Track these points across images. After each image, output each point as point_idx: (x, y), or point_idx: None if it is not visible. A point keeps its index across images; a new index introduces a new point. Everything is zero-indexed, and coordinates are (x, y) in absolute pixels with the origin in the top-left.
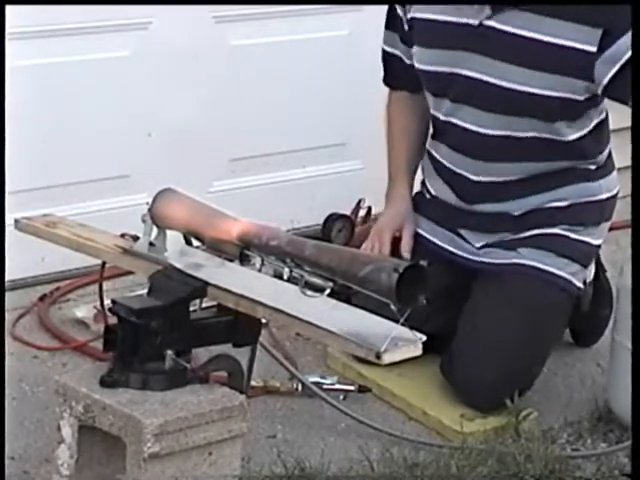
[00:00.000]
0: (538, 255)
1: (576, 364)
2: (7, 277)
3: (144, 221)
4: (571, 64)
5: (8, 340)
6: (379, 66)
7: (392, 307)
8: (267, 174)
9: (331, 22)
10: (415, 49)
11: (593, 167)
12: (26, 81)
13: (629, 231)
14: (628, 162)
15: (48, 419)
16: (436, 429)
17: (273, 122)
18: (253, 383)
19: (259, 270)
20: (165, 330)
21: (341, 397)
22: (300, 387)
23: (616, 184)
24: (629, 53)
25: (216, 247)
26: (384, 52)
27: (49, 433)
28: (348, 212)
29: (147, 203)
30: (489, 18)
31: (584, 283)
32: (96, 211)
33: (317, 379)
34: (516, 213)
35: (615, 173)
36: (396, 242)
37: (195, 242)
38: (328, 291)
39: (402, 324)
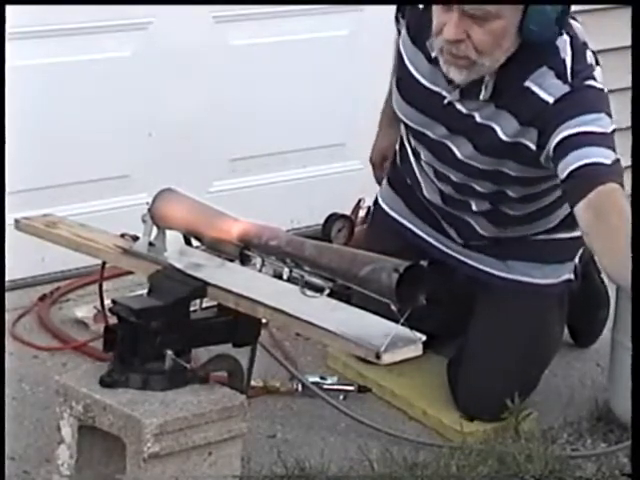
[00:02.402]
0: (526, 268)
1: (576, 364)
2: (7, 277)
3: (144, 221)
4: (517, 153)
5: (8, 340)
6: (379, 66)
7: (392, 307)
8: (267, 174)
9: (331, 22)
10: (395, 93)
11: None
12: (26, 81)
13: None
14: (628, 162)
15: (48, 419)
16: (436, 429)
17: (273, 122)
18: (253, 383)
19: (259, 270)
20: (165, 330)
21: (341, 397)
22: (300, 387)
23: None
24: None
25: (216, 247)
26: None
27: (49, 433)
28: (348, 212)
29: (147, 203)
30: (458, 101)
31: (575, 270)
32: (96, 211)
33: (317, 379)
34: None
35: None
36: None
37: (195, 242)
38: (328, 291)
39: (402, 324)
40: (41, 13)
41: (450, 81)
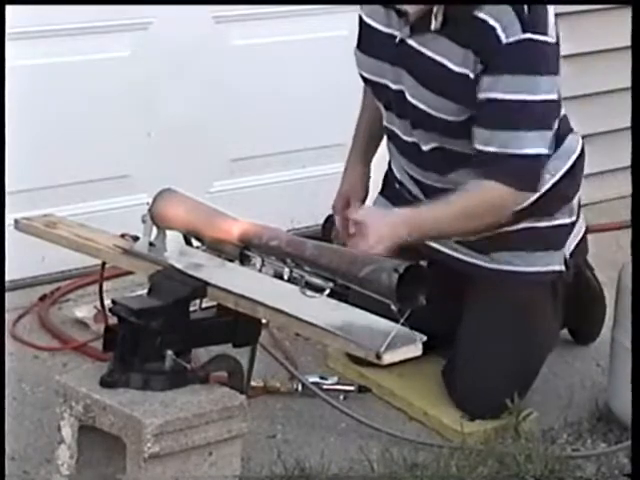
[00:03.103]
0: (510, 257)
1: (576, 364)
2: (7, 277)
3: (144, 221)
4: (459, 90)
5: (8, 340)
6: None
7: (392, 307)
8: (267, 174)
9: (331, 22)
10: (355, 53)
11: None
12: (26, 81)
13: (629, 231)
14: (628, 162)
15: (48, 419)
16: (436, 429)
17: (273, 122)
18: (253, 383)
19: (259, 270)
20: (165, 330)
21: (341, 397)
22: (300, 387)
23: (565, 162)
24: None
25: (216, 247)
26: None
27: (49, 433)
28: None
29: (147, 203)
30: (409, 37)
31: (565, 262)
32: (96, 211)
33: (317, 379)
34: None
35: (566, 146)
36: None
37: (195, 242)
38: (328, 291)
39: (402, 324)
40: (41, 13)
41: (401, 15)
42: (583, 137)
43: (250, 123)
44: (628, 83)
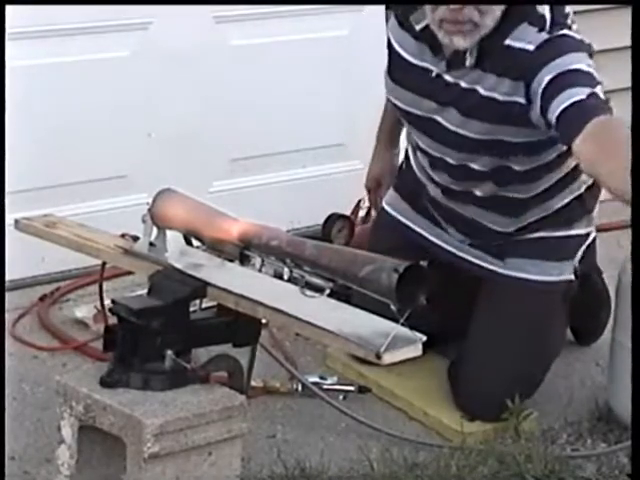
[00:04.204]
0: (525, 264)
1: (576, 364)
2: (7, 277)
3: (144, 221)
4: (510, 114)
5: (8, 340)
6: (379, 66)
7: (392, 307)
8: (267, 174)
9: (331, 22)
10: (386, 79)
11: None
12: (26, 81)
13: (629, 231)
14: None
15: (48, 419)
16: (436, 429)
17: (273, 122)
18: (253, 383)
19: (259, 270)
20: (165, 330)
21: (341, 397)
22: (300, 387)
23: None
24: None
25: (216, 247)
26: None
27: (49, 433)
28: (348, 212)
29: (147, 203)
30: (445, 72)
31: (575, 271)
32: (96, 211)
33: (317, 379)
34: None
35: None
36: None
37: (195, 242)
38: (328, 291)
39: (402, 324)
40: (41, 13)
41: (437, 53)
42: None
43: (250, 123)
44: (628, 83)
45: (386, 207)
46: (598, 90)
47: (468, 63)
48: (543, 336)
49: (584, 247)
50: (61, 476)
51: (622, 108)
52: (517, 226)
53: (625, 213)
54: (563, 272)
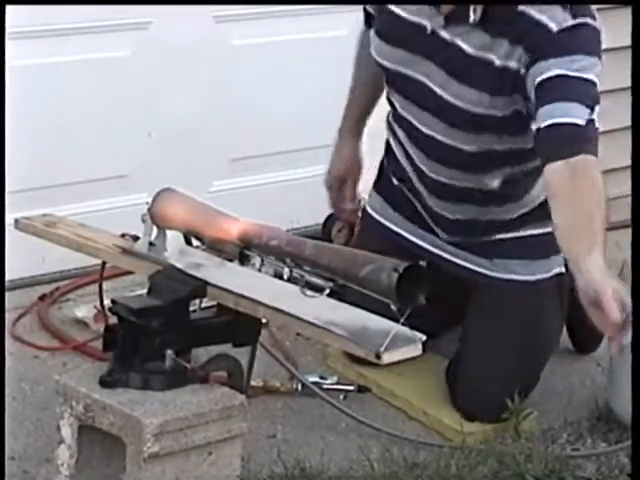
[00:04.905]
0: (511, 265)
1: (576, 364)
2: (7, 277)
3: (144, 221)
4: (505, 83)
5: (8, 340)
6: None
7: (392, 307)
8: (267, 174)
9: (330, 22)
10: (373, 37)
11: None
12: (26, 81)
13: (629, 231)
14: (628, 162)
15: (48, 419)
16: (436, 429)
17: (273, 122)
18: (253, 383)
19: (259, 270)
20: (165, 330)
21: (341, 397)
22: (300, 387)
23: None
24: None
25: (216, 247)
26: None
27: (49, 433)
28: None
29: (147, 203)
30: (442, 28)
31: (565, 263)
32: (96, 211)
33: (317, 379)
34: (471, 217)
35: None
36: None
37: (195, 242)
38: (328, 291)
39: (402, 324)
40: (41, 13)
41: (436, 5)
42: None
43: (250, 123)
44: (628, 83)
45: (369, 210)
46: (595, 115)
47: (472, 20)
48: (538, 332)
49: None
50: (61, 476)
51: (622, 108)
52: (505, 217)
53: (624, 213)
54: (552, 268)
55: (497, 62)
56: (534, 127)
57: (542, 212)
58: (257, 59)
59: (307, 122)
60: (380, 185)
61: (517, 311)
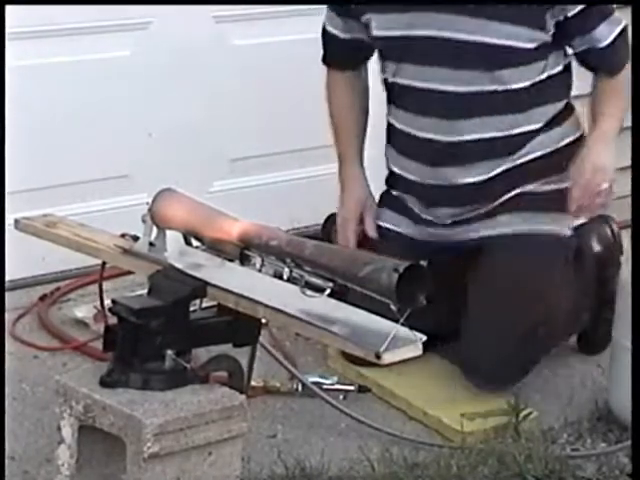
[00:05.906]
0: (518, 219)
1: (576, 364)
2: (7, 277)
3: (144, 221)
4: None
5: (8, 340)
6: (378, 66)
7: (392, 307)
8: (267, 174)
9: None
10: (370, 17)
11: (551, 115)
12: (26, 81)
13: (629, 231)
14: (628, 162)
15: (48, 419)
16: (436, 429)
17: (273, 122)
18: (253, 383)
19: (259, 270)
20: (165, 330)
21: (341, 397)
22: (300, 387)
23: (575, 129)
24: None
25: (216, 247)
26: (324, 31)
27: (49, 433)
28: None
29: (147, 203)
30: None
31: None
32: (96, 211)
33: (317, 379)
34: (484, 177)
35: (573, 118)
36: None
37: (195, 242)
38: (328, 291)
39: (402, 324)
40: (41, 13)
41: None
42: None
43: (250, 123)
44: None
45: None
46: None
47: None
48: (544, 290)
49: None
50: (61, 476)
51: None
52: (505, 166)
53: (625, 213)
54: (558, 223)
55: None
56: (583, 48)
57: (548, 167)
58: (257, 59)
59: (307, 122)
60: (385, 200)
61: (521, 268)
